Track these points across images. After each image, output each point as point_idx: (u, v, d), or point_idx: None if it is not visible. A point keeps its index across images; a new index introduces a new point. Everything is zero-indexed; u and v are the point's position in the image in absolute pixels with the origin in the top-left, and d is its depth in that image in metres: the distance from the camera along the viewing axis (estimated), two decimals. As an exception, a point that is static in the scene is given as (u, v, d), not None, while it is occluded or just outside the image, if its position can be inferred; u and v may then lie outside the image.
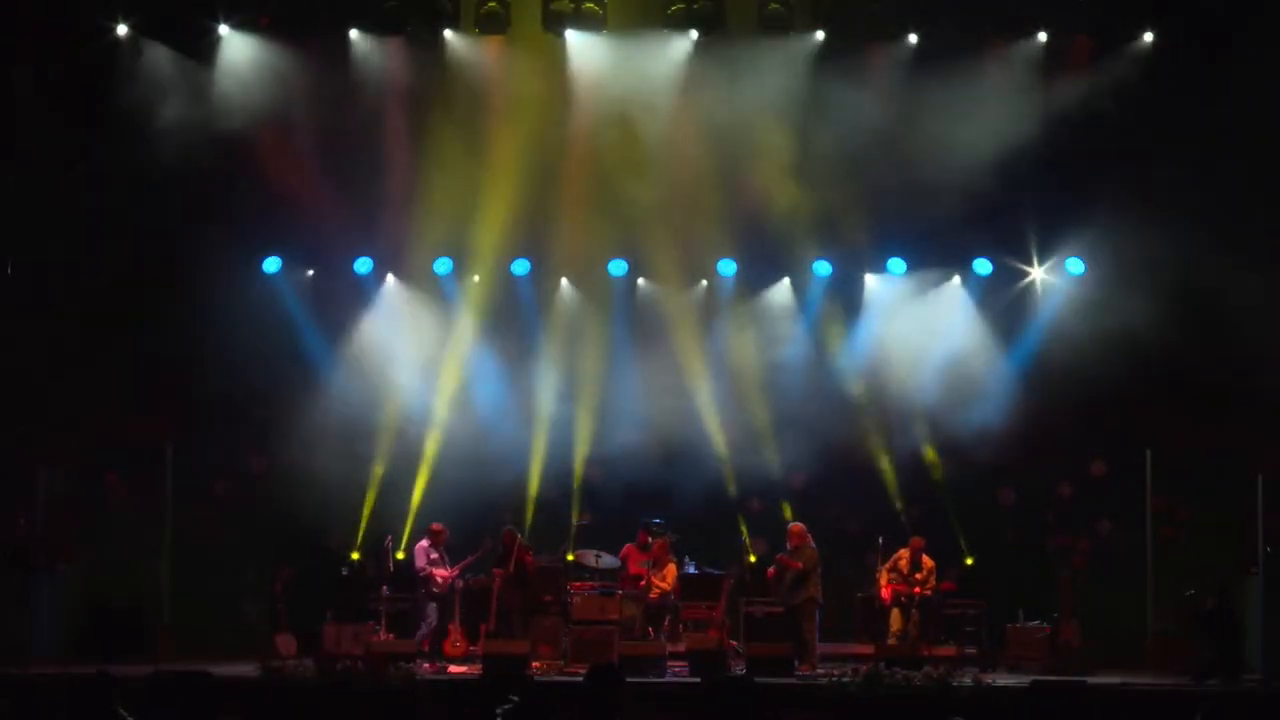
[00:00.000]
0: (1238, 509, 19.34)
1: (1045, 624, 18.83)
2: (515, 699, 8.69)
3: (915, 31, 19.63)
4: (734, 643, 18.36)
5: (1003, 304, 20.75)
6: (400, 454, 20.55)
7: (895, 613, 18.74)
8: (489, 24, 19.63)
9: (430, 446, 20.50)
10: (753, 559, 20.51)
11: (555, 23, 19.67)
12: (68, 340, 19.34)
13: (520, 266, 20.76)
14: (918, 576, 18.80)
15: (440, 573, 18.47)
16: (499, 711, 8.58)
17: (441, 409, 20.60)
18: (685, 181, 20.09)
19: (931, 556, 19.10)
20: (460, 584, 18.59)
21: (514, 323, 20.90)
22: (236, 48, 19.68)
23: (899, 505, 20.51)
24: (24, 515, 18.78)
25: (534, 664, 17.20)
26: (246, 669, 16.86)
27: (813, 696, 15.56)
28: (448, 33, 19.84)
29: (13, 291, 19.12)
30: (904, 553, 19.00)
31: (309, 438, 20.07)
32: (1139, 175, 19.18)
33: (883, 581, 18.87)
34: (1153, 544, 20.05)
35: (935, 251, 20.57)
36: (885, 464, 20.49)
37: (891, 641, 18.39)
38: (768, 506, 20.67)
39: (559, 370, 20.67)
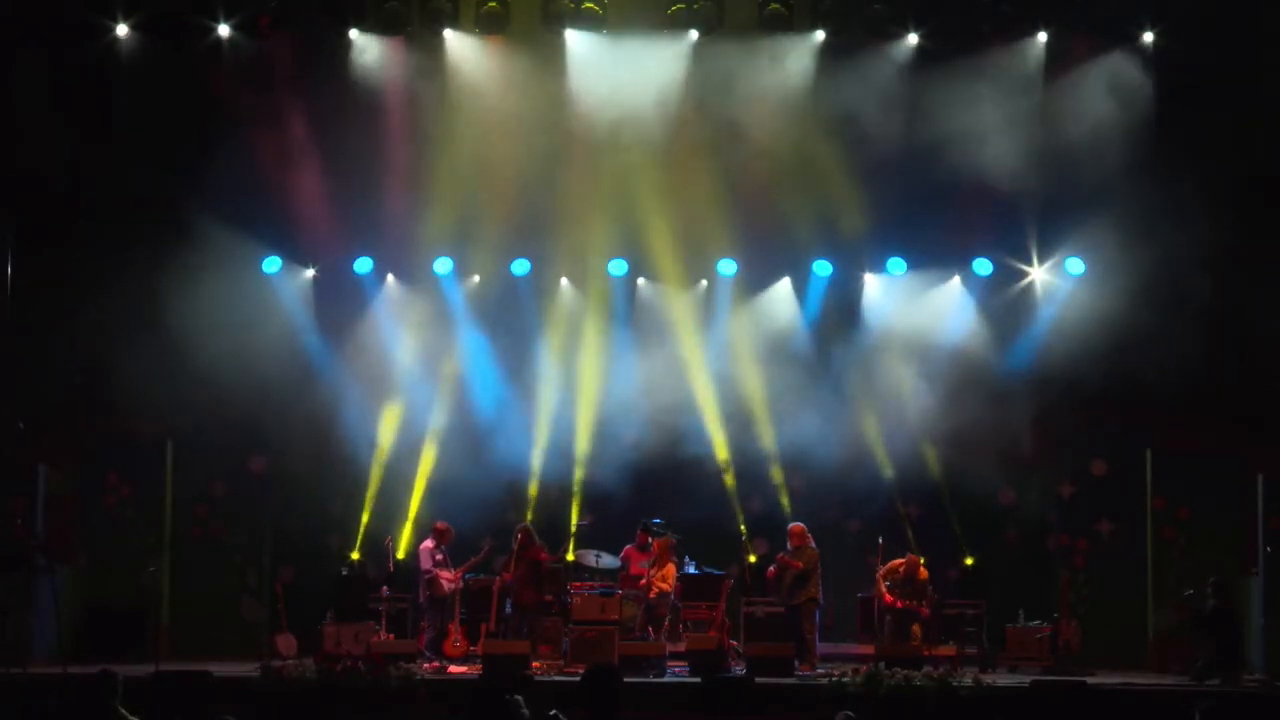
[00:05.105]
0: (1238, 509, 19.35)
1: (1045, 624, 18.83)
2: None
3: (915, 31, 19.65)
4: (734, 643, 18.36)
5: (1003, 304, 20.75)
6: (400, 454, 20.56)
7: (915, 628, 18.45)
8: (489, 24, 19.63)
9: (430, 446, 20.51)
10: (753, 559, 20.51)
11: (555, 22, 19.66)
12: (69, 338, 19.35)
13: (520, 266, 20.77)
14: (917, 589, 18.53)
15: (446, 575, 18.43)
16: None
17: (441, 409, 20.61)
18: (685, 181, 20.09)
19: (929, 566, 19.03)
20: (460, 585, 18.56)
21: (514, 323, 20.89)
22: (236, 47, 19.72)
23: (899, 505, 20.50)
24: (23, 515, 18.76)
25: (534, 664, 17.20)
26: (246, 669, 16.90)
27: (813, 696, 15.58)
28: (448, 33, 19.84)
29: (12, 291, 19.07)
30: (900, 564, 18.70)
31: (309, 438, 20.09)
32: (1139, 175, 19.18)
33: (883, 588, 18.58)
34: (1153, 544, 20.05)
35: (935, 251, 20.57)
36: (885, 463, 20.45)
37: (916, 644, 18.09)
38: (767, 506, 20.67)
39: (559, 370, 20.67)
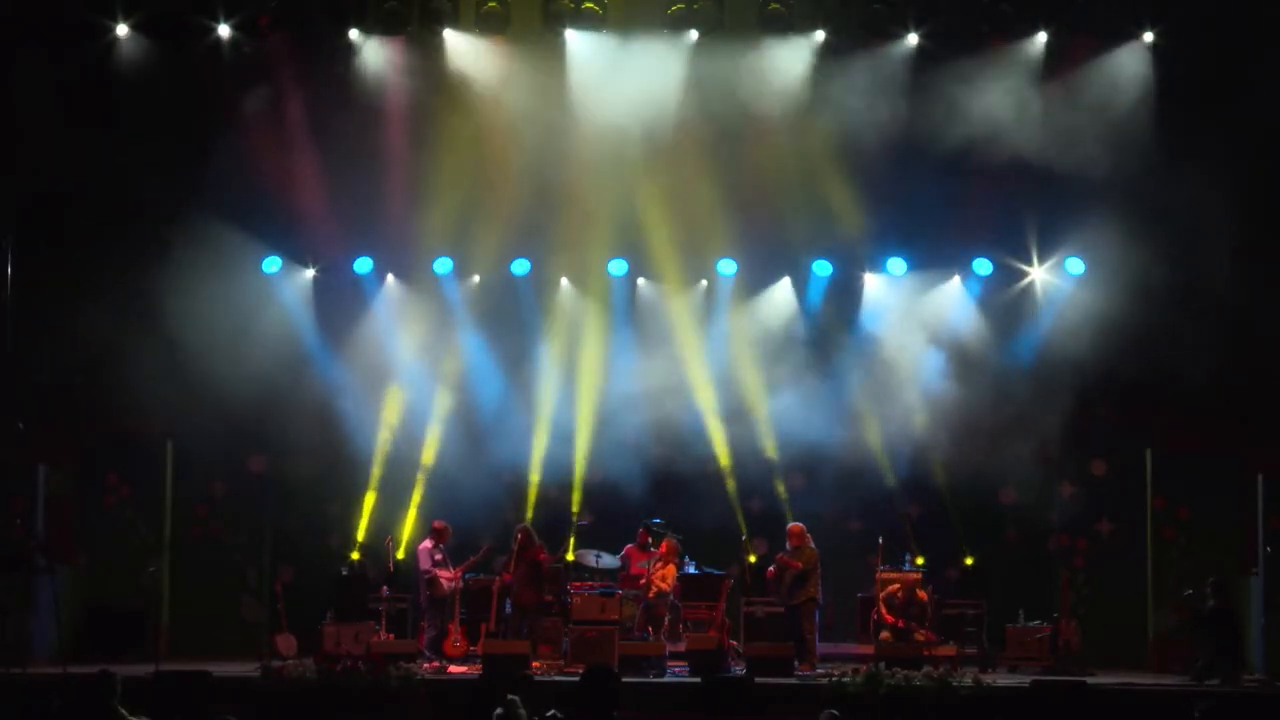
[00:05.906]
0: (1238, 509, 19.36)
1: (1045, 624, 18.83)
2: None
3: (915, 31, 19.65)
4: (734, 643, 18.36)
5: (1003, 304, 20.75)
6: (400, 454, 20.57)
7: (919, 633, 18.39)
8: (489, 24, 19.62)
9: (430, 446, 20.51)
10: (753, 559, 20.51)
11: (555, 22, 19.66)
12: (69, 338, 19.35)
13: (520, 266, 20.77)
14: (917, 611, 18.42)
15: (445, 575, 18.42)
16: None
17: (441, 409, 20.61)
18: (685, 181, 20.09)
19: (929, 566, 18.99)
20: (460, 585, 18.56)
21: (514, 322, 20.89)
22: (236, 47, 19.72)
23: (899, 505, 20.48)
24: (23, 515, 18.77)
25: (534, 664, 17.20)
26: (246, 669, 16.91)
27: (813, 696, 15.58)
28: (448, 33, 19.84)
29: (12, 291, 19.08)
30: (896, 588, 18.47)
31: (309, 438, 20.09)
32: (1139, 175, 19.18)
33: (883, 609, 18.34)
34: (1153, 544, 20.05)
35: (935, 251, 20.58)
36: (885, 463, 20.44)
37: (919, 643, 17.97)
38: (767, 506, 20.67)
39: (559, 370, 20.67)
